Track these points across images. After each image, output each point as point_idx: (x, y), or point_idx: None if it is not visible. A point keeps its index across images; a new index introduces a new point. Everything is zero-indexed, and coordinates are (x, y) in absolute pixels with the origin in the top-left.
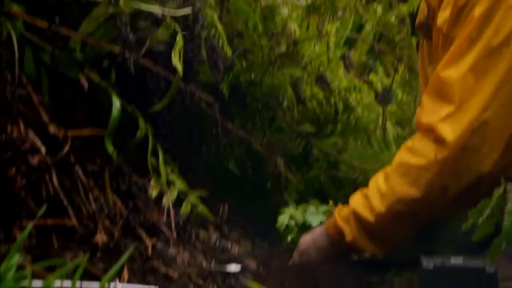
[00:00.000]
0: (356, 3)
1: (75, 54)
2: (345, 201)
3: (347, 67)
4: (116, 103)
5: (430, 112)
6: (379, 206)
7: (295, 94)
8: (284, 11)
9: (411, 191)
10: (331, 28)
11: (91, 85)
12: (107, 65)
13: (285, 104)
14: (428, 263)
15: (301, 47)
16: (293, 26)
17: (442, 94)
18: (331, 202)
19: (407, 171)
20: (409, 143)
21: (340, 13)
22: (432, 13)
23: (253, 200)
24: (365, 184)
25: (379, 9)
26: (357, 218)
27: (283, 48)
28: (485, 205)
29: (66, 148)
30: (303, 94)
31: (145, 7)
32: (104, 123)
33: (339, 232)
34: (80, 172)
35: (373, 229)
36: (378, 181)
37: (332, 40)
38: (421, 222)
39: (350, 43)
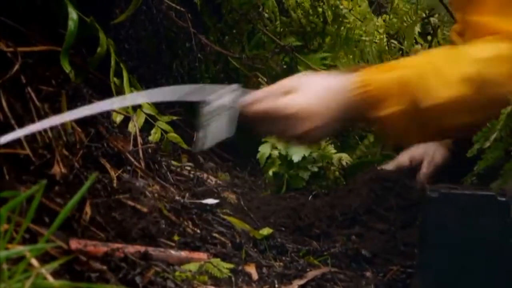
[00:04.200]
0: None
1: None
2: None
3: None
4: (73, 14)
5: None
6: (445, 89)
7: (277, 2)
8: None
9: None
10: None
11: None
12: None
13: (266, 14)
14: (433, 191)
15: None
16: None
17: None
18: None
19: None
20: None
21: None
22: None
23: None
24: None
25: None
26: (411, 96)
27: None
28: (492, 127)
29: (16, 67)
30: (286, 2)
31: None
32: (60, 38)
33: (371, 103)
34: (33, 95)
35: (426, 112)
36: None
37: None
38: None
39: None
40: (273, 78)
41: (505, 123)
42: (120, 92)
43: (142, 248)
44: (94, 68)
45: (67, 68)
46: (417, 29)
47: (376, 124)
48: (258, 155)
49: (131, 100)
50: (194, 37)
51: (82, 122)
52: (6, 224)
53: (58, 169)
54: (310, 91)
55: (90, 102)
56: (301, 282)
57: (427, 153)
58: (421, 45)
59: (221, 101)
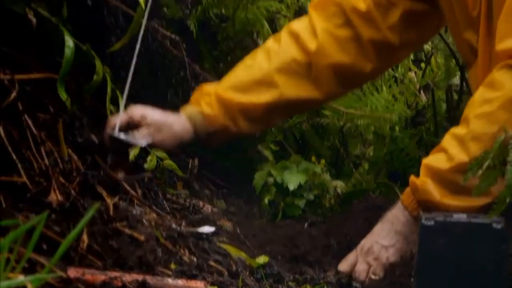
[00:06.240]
0: None
1: None
2: (331, 153)
3: None
4: (69, 42)
5: (509, 35)
6: (462, 153)
7: (272, 30)
8: None
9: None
10: None
11: (40, 21)
12: None
13: (260, 42)
14: (428, 219)
15: None
16: None
17: None
18: (313, 158)
19: (491, 109)
20: (482, 87)
21: None
22: None
23: (226, 152)
24: (352, 133)
25: None
26: (438, 174)
27: None
28: (485, 155)
29: (14, 94)
30: (280, 30)
31: None
32: (56, 64)
33: (422, 201)
34: (30, 122)
35: (458, 180)
36: (454, 133)
37: None
38: None
39: None
40: None
41: (498, 152)
42: None
43: (139, 277)
44: (90, 95)
45: (63, 96)
46: (410, 56)
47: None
48: (254, 182)
49: None
50: (188, 66)
51: (78, 149)
52: (7, 253)
53: (54, 197)
54: (390, 244)
55: (86, 130)
56: None
57: None
58: (415, 72)
59: None
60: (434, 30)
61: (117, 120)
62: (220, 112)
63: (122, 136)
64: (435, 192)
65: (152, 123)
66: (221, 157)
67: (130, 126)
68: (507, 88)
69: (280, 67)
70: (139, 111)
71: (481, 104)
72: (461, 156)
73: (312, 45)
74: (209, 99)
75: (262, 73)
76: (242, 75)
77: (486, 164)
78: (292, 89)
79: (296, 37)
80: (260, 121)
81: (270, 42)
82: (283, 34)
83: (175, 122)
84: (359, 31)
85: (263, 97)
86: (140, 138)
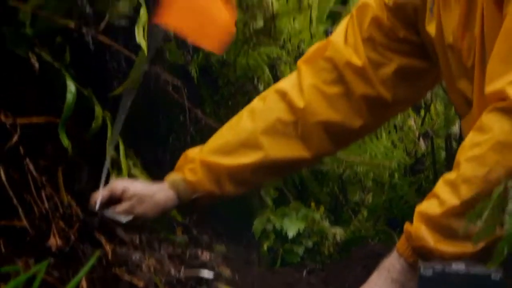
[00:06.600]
0: None
1: (24, 29)
2: (330, 200)
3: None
4: (71, 86)
5: (497, 77)
6: (453, 197)
7: (272, 76)
8: None
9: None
10: (313, 0)
11: (43, 65)
12: (60, 42)
13: (261, 87)
14: (426, 269)
15: (280, 22)
16: None
17: None
18: (313, 205)
19: (481, 151)
20: (472, 132)
21: None
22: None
23: None
24: (352, 180)
25: None
26: (431, 219)
27: (259, 23)
28: (484, 206)
29: (15, 138)
30: (281, 75)
31: None
32: (58, 109)
33: (417, 247)
34: (31, 166)
35: (452, 224)
36: (446, 178)
37: (314, 13)
38: None
39: (333, 17)
40: None
41: (496, 203)
42: (117, 165)
43: None
44: (90, 140)
45: (65, 142)
46: None
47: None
48: (253, 228)
49: None
50: (189, 112)
51: (78, 194)
52: None
53: (54, 241)
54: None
55: (86, 175)
56: None
57: None
58: (414, 119)
59: None
60: (429, 87)
61: (99, 196)
62: (205, 177)
63: (104, 213)
64: (429, 238)
65: (134, 195)
66: (221, 202)
67: (112, 201)
68: (496, 131)
69: (265, 127)
70: (120, 185)
71: (471, 148)
72: (452, 200)
73: (299, 102)
74: (193, 165)
75: (246, 134)
76: (227, 137)
77: (485, 214)
78: (278, 150)
79: (282, 95)
80: (246, 183)
81: (256, 102)
82: (269, 93)
83: (158, 191)
84: (351, 86)
85: (248, 159)
86: (122, 214)
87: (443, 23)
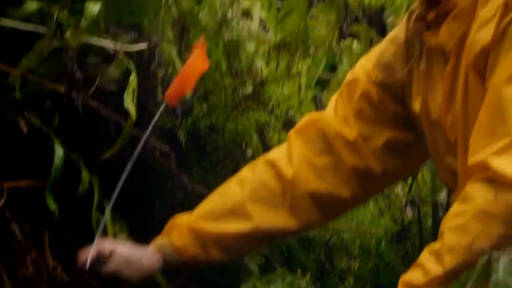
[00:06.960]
0: (330, 39)
1: (13, 93)
2: (316, 267)
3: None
4: (59, 151)
5: (480, 149)
6: (437, 267)
7: (261, 141)
8: (250, 47)
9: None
10: (302, 66)
11: (31, 130)
12: (50, 107)
13: (249, 153)
14: None
15: (269, 88)
16: (260, 64)
17: (501, 118)
18: (299, 272)
19: (463, 220)
20: (456, 202)
21: (312, 50)
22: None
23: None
24: (338, 246)
25: (355, 45)
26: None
27: (248, 89)
28: (468, 276)
29: (1, 202)
30: (270, 141)
31: (95, 40)
32: (45, 172)
33: None
34: (17, 230)
35: None
36: (430, 248)
37: (303, 80)
38: None
39: (322, 83)
40: None
41: (481, 273)
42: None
43: None
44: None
45: (52, 206)
46: None
47: None
48: None
49: None
50: (176, 178)
51: (63, 260)
52: None
53: None
54: None
55: (72, 239)
56: None
57: None
58: (401, 186)
59: None
60: (420, 161)
61: (88, 255)
62: (191, 242)
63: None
64: None
65: (121, 258)
66: (206, 269)
67: (100, 261)
68: (479, 200)
69: (253, 196)
70: (108, 246)
71: (454, 217)
72: (436, 270)
73: (288, 172)
74: (180, 230)
75: (234, 202)
76: (215, 204)
77: (469, 285)
78: (266, 219)
79: (272, 165)
80: (232, 250)
81: (245, 170)
82: (259, 162)
83: (144, 255)
84: (340, 158)
85: (235, 226)
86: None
87: (428, 99)
